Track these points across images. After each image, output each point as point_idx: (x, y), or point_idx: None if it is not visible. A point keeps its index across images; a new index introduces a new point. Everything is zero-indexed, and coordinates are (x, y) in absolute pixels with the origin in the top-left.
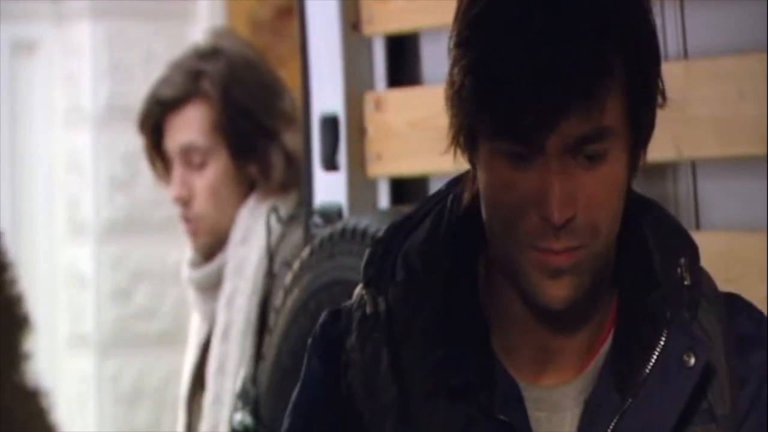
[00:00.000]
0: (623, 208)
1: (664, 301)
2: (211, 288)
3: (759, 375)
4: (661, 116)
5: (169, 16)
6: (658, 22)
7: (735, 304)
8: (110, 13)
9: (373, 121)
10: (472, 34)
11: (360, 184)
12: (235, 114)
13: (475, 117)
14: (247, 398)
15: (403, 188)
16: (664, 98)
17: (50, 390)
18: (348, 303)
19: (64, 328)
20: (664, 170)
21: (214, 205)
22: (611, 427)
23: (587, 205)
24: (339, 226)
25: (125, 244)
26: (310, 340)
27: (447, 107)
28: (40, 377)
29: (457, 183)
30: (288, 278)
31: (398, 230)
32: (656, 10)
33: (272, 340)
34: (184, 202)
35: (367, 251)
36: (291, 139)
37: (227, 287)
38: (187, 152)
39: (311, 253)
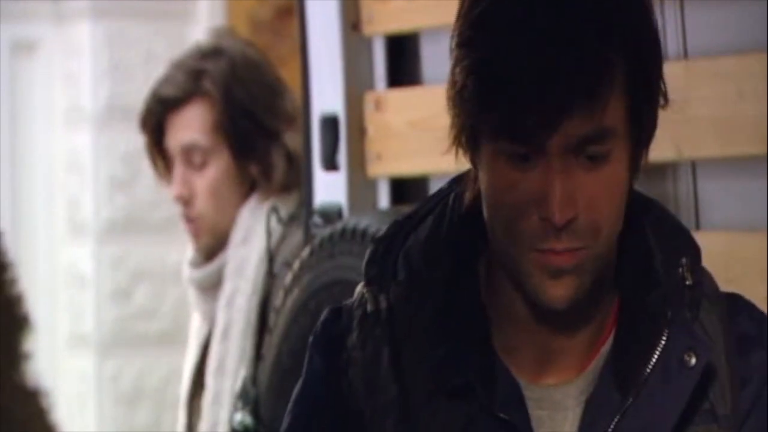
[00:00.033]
0: (625, 209)
1: (665, 301)
2: (211, 288)
3: (760, 375)
4: (662, 116)
5: (169, 16)
6: (658, 22)
7: (736, 304)
8: (110, 13)
9: (373, 121)
10: (475, 34)
11: (360, 184)
12: (236, 114)
13: (477, 117)
14: (247, 398)
15: (403, 188)
16: (666, 99)
17: (50, 390)
18: (349, 301)
19: (64, 328)
20: (664, 170)
21: (215, 205)
22: (612, 426)
23: (589, 205)
24: (339, 226)
25: (125, 244)
26: (311, 338)
27: (449, 107)
28: (40, 377)
29: (458, 182)
30: (288, 278)
31: (400, 229)
32: (656, 10)
33: (272, 340)
34: (185, 201)
35: (368, 249)
36: (292, 139)
37: (227, 287)
38: (188, 151)
39: (311, 253)
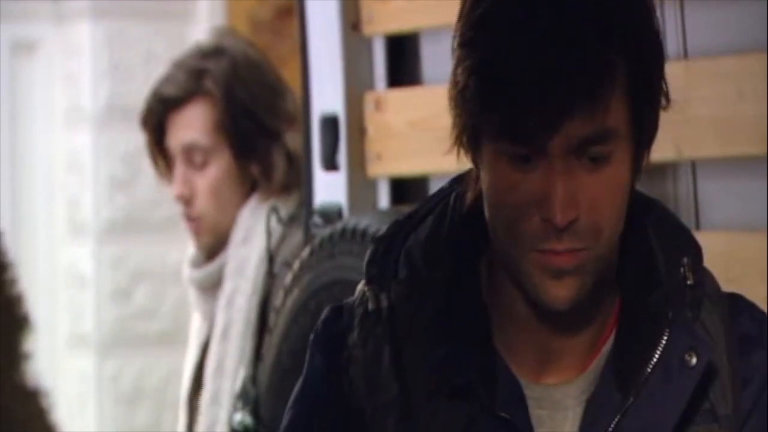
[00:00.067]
0: (626, 209)
1: (667, 300)
2: (212, 288)
3: (761, 375)
4: (662, 116)
5: (169, 16)
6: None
7: (737, 304)
8: (110, 13)
9: (373, 121)
10: (476, 34)
11: (360, 184)
12: (237, 113)
13: (478, 118)
14: (247, 398)
15: (403, 188)
16: (668, 100)
17: (50, 390)
18: (350, 299)
19: (64, 328)
20: (664, 170)
21: (216, 205)
22: (612, 426)
23: (590, 207)
24: (339, 226)
25: (125, 244)
26: (312, 336)
27: (450, 107)
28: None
29: (459, 181)
30: (288, 278)
31: (401, 228)
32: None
33: (272, 340)
34: (186, 200)
35: (369, 249)
36: (293, 139)
37: (227, 287)
38: (189, 151)
39: (311, 253)
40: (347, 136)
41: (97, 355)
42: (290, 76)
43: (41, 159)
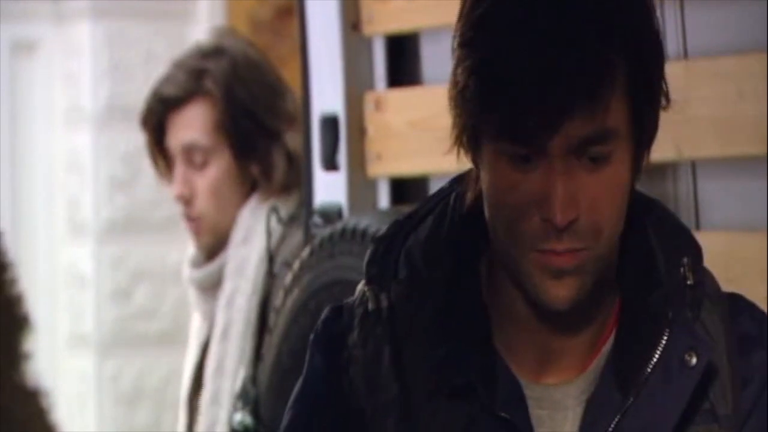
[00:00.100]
0: (626, 209)
1: (667, 300)
2: (212, 287)
3: (761, 375)
4: (662, 116)
5: (169, 16)
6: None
7: (737, 304)
8: (110, 13)
9: (373, 121)
10: (476, 34)
11: (360, 184)
12: (237, 113)
13: (478, 117)
14: (247, 398)
15: (403, 188)
16: (668, 100)
17: (50, 390)
18: (350, 299)
19: (64, 328)
20: (664, 170)
21: (216, 205)
22: (613, 426)
23: (590, 207)
24: (339, 226)
25: (125, 244)
26: (312, 336)
27: (450, 107)
28: (40, 377)
29: (459, 181)
30: (288, 278)
31: (401, 228)
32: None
33: (272, 340)
34: (186, 200)
35: (369, 248)
36: (293, 139)
37: (227, 287)
38: (189, 151)
39: (311, 253)
40: (347, 136)
41: (97, 355)
42: (290, 76)
43: (41, 159)
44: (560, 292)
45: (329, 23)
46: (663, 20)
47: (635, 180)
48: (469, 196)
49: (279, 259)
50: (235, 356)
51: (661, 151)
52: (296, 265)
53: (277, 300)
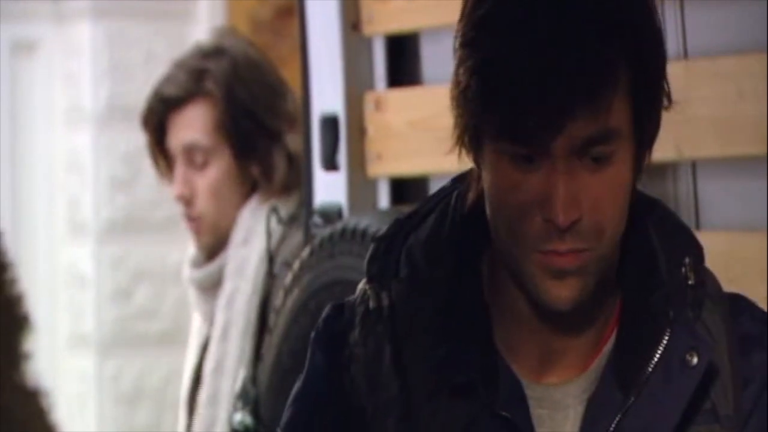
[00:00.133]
0: (628, 209)
1: (668, 300)
2: (212, 288)
3: (762, 375)
4: (662, 116)
5: (169, 16)
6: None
7: (739, 304)
8: (110, 13)
9: (373, 121)
10: (478, 34)
11: (360, 184)
12: (238, 114)
13: (480, 118)
14: (247, 398)
15: (403, 188)
16: (670, 100)
17: (50, 390)
18: (351, 297)
19: (64, 328)
20: (664, 170)
21: (216, 205)
22: (613, 425)
23: (593, 207)
24: (339, 226)
25: (125, 244)
26: (313, 334)
27: (452, 107)
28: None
29: (461, 180)
30: (288, 278)
31: (402, 226)
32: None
33: (272, 340)
34: (186, 200)
35: (371, 246)
36: (293, 140)
37: (227, 287)
38: (189, 151)
39: (311, 253)
40: (347, 136)
41: (98, 355)
42: (290, 76)
43: (41, 159)
44: (562, 293)
45: (329, 23)
46: (663, 20)
47: (637, 180)
48: (471, 195)
49: (279, 259)
50: (234, 357)
51: (661, 151)
52: (296, 265)
53: (277, 300)
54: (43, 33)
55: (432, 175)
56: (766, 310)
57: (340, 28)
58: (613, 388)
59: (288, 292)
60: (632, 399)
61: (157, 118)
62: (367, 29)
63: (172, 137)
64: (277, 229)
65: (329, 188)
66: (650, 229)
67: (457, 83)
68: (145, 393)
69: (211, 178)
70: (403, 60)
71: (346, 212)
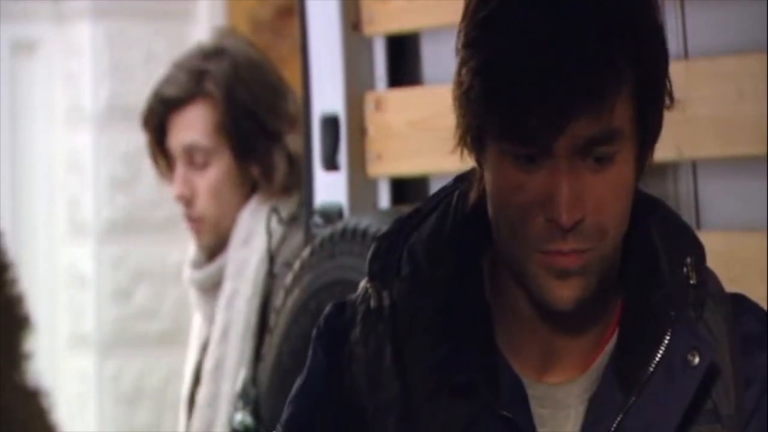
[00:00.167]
0: (630, 209)
1: (669, 300)
2: (212, 288)
3: (764, 375)
4: None
5: (169, 16)
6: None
7: (741, 304)
8: (110, 13)
9: (373, 121)
10: (481, 35)
11: (360, 184)
12: (238, 115)
13: (483, 118)
14: (248, 398)
15: (403, 188)
16: (672, 99)
17: (50, 390)
18: (353, 296)
19: (64, 328)
20: (664, 170)
21: (216, 205)
22: (615, 425)
23: (596, 207)
24: (339, 226)
25: (126, 244)
26: (314, 332)
27: (454, 107)
28: (40, 377)
29: (462, 180)
30: (289, 278)
31: (404, 225)
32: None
33: (273, 340)
34: (187, 201)
35: (372, 245)
36: (293, 141)
37: (227, 288)
38: (189, 152)
39: (312, 253)
40: (348, 136)
41: (98, 355)
42: (291, 76)
43: (41, 159)
44: (565, 293)
45: (330, 23)
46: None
47: (638, 179)
48: (473, 195)
49: (280, 260)
50: (234, 357)
51: (661, 151)
52: (297, 265)
53: (278, 300)
54: (43, 33)
55: (432, 175)
56: (766, 309)
57: (341, 28)
58: (614, 388)
59: (288, 292)
60: (634, 399)
61: (158, 119)
62: (368, 29)
63: (172, 138)
64: (277, 229)
65: (330, 188)
66: (652, 228)
67: (459, 84)
68: (145, 393)
69: (211, 179)
70: (404, 60)
71: (346, 212)
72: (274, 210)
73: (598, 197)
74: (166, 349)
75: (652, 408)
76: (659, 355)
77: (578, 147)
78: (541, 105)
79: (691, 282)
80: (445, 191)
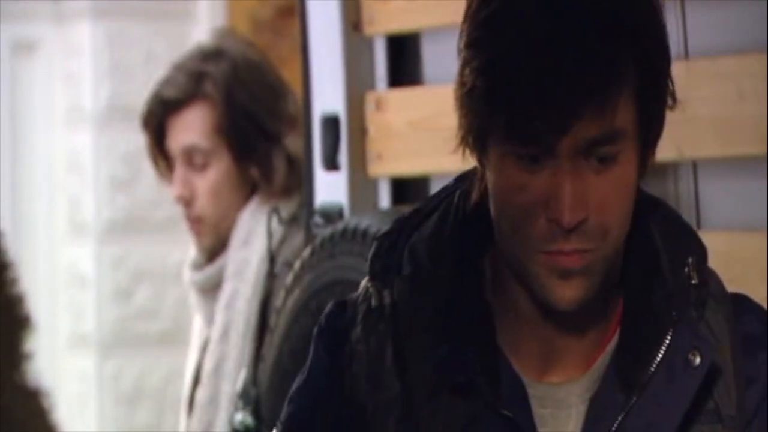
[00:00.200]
0: (633, 209)
1: (671, 300)
2: (212, 289)
3: (765, 375)
4: None
5: (169, 16)
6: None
7: (742, 304)
8: (110, 13)
9: (373, 121)
10: (483, 35)
11: (361, 184)
12: (237, 116)
13: (485, 118)
14: (248, 398)
15: (403, 188)
16: (674, 99)
17: (51, 390)
18: (354, 295)
19: (64, 328)
20: (664, 170)
21: (216, 206)
22: (616, 425)
23: (598, 207)
24: (340, 226)
25: (126, 244)
26: (315, 330)
27: (456, 107)
28: (40, 377)
29: (464, 179)
30: (289, 278)
31: (405, 225)
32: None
33: (273, 340)
34: (186, 202)
35: (374, 244)
36: (293, 142)
37: (227, 289)
38: (189, 153)
39: (312, 253)
40: (348, 136)
41: (98, 355)
42: (291, 76)
43: (41, 159)
44: (567, 293)
45: (330, 23)
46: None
47: (640, 179)
48: (474, 194)
49: (280, 260)
50: (233, 358)
51: (662, 151)
52: (297, 265)
53: (278, 300)
54: (43, 33)
55: (433, 175)
56: (766, 309)
57: (341, 28)
58: (615, 388)
59: (289, 292)
60: (635, 398)
61: (157, 120)
62: (368, 29)
63: (172, 139)
64: (278, 229)
65: (330, 188)
66: (653, 228)
67: (461, 84)
68: (145, 393)
69: (210, 180)
70: (404, 60)
71: (346, 212)
72: (275, 210)
73: (601, 197)
74: (166, 349)
75: (654, 408)
76: (660, 355)
77: (581, 147)
78: (544, 105)
79: (693, 282)
80: (447, 191)
